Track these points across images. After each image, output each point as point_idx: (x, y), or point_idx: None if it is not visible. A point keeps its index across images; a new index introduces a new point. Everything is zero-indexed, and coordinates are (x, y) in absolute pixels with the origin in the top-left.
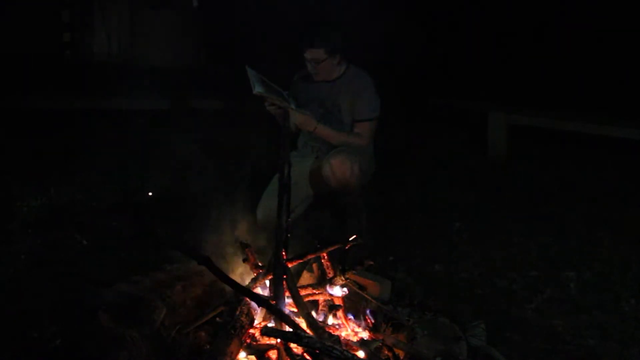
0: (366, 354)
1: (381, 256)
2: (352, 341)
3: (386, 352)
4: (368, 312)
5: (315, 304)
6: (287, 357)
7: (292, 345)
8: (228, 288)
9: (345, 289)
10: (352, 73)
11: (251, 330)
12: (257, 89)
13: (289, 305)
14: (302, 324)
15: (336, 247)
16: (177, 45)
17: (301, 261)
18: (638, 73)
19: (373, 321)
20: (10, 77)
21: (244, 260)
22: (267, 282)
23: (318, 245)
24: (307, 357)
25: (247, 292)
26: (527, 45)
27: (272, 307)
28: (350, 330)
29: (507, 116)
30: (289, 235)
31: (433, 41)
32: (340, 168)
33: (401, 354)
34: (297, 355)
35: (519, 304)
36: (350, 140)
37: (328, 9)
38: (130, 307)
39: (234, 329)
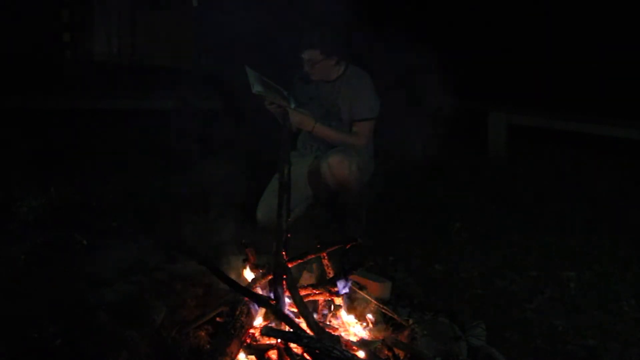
0: (366, 354)
1: (381, 256)
2: (352, 341)
3: (386, 352)
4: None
5: (315, 304)
6: (287, 357)
7: (292, 345)
8: (228, 288)
9: (346, 289)
10: (352, 73)
11: (251, 330)
12: (256, 88)
13: (289, 305)
14: (302, 324)
15: (336, 247)
16: (177, 45)
17: (301, 261)
18: (638, 73)
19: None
20: (10, 77)
21: (244, 260)
22: (267, 282)
23: (318, 246)
24: (307, 357)
25: (247, 292)
26: (527, 45)
27: (272, 307)
28: (350, 330)
29: (507, 116)
30: (289, 235)
31: (433, 40)
32: (338, 167)
33: (401, 354)
34: (297, 355)
35: (519, 304)
36: (349, 140)
37: (326, 9)
38: (130, 307)
39: (234, 329)
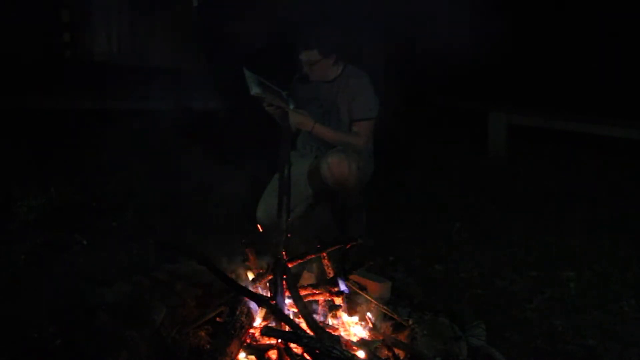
0: (366, 354)
1: (381, 256)
2: (352, 341)
3: (386, 352)
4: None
5: (315, 304)
6: (287, 357)
7: (292, 345)
8: (228, 288)
9: (346, 288)
10: (350, 73)
11: (251, 330)
12: (254, 90)
13: (289, 305)
14: (302, 324)
15: (336, 247)
16: (177, 46)
17: (301, 261)
18: (637, 73)
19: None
20: (10, 77)
21: (244, 260)
22: (267, 282)
23: (318, 246)
24: (307, 357)
25: (247, 292)
26: (527, 45)
27: (272, 307)
28: (350, 330)
29: (507, 116)
30: (288, 235)
31: (433, 40)
32: (338, 167)
33: (401, 354)
34: (297, 355)
35: (519, 304)
36: (348, 140)
37: (326, 9)
38: (130, 307)
39: (234, 329)
